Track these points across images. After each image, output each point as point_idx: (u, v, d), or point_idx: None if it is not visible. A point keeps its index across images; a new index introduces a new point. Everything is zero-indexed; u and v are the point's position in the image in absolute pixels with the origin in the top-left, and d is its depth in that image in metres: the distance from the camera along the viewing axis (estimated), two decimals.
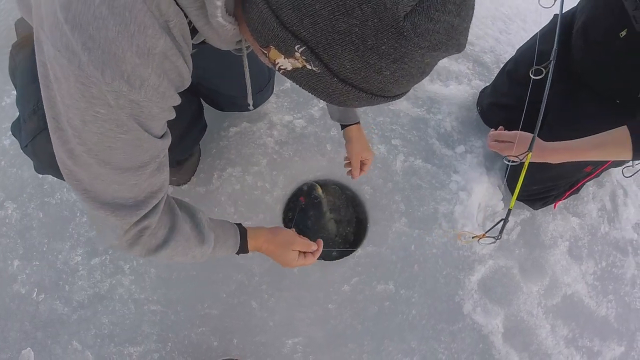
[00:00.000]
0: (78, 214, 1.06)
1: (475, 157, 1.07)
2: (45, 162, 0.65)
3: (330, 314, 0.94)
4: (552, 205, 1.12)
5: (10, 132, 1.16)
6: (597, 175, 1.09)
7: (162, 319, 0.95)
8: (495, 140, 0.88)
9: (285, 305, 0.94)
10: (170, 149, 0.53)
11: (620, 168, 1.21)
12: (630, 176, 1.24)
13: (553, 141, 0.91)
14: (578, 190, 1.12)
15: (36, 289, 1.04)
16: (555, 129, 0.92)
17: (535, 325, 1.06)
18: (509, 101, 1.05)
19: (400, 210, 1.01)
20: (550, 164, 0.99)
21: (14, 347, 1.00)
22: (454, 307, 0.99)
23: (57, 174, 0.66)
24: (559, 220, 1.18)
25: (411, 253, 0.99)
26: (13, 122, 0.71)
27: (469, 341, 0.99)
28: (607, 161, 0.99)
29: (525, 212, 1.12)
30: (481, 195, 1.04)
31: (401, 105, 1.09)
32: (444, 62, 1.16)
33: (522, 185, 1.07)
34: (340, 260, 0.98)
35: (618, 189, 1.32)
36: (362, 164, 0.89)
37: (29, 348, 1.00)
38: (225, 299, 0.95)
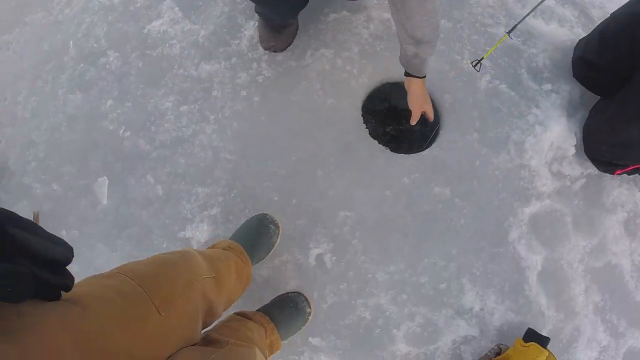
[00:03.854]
0: (176, 67, 1.24)
1: (559, 98, 1.14)
2: None
3: (386, 200, 1.08)
4: (613, 173, 1.16)
5: None
6: None
7: (234, 167, 1.13)
8: None
9: (346, 181, 1.08)
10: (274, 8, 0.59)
11: None
12: None
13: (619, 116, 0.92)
14: None
15: (124, 127, 1.24)
16: (629, 109, 0.94)
17: (572, 278, 1.14)
18: (595, 59, 1.10)
19: (475, 126, 1.11)
20: (622, 128, 1.03)
21: (92, 175, 1.21)
22: (501, 232, 1.09)
23: None
24: (624, 189, 1.23)
25: (475, 168, 1.10)
26: None
27: (505, 267, 1.09)
28: None
29: (594, 168, 1.18)
30: (556, 134, 1.11)
31: (499, 30, 1.17)
32: (551, 3, 1.22)
33: (592, 142, 1.12)
34: (407, 155, 1.10)
35: None
36: (427, 113, 1.01)
37: (105, 177, 1.21)
38: (294, 162, 1.10)
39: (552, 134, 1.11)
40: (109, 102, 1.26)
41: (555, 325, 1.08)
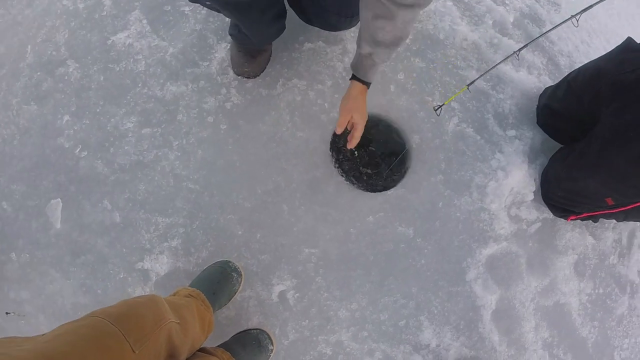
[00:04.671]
0: (139, 85, 1.20)
1: (522, 144, 1.20)
2: None
3: (350, 237, 1.10)
4: (567, 218, 1.24)
5: None
6: (618, 217, 1.18)
7: (197, 198, 1.11)
8: None
9: (312, 216, 1.09)
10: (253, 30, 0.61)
11: None
12: None
13: (597, 156, 0.98)
14: (596, 218, 1.24)
15: (80, 146, 1.18)
16: (605, 145, 0.99)
17: (523, 316, 1.21)
18: (560, 108, 1.16)
19: (440, 168, 1.15)
20: (578, 176, 1.10)
21: (44, 195, 1.16)
22: (459, 271, 1.14)
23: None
24: (576, 233, 1.31)
25: (437, 209, 1.14)
26: None
27: (461, 306, 1.14)
28: (630, 204, 1.07)
29: (549, 213, 1.25)
30: (516, 180, 1.17)
31: (470, 73, 1.20)
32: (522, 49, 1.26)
33: (549, 187, 1.19)
34: (372, 193, 1.12)
35: (638, 231, 1.43)
36: (353, 128, 0.93)
37: (58, 199, 1.15)
38: (260, 195, 1.10)
39: (513, 179, 1.17)
40: (66, 117, 1.20)
41: None
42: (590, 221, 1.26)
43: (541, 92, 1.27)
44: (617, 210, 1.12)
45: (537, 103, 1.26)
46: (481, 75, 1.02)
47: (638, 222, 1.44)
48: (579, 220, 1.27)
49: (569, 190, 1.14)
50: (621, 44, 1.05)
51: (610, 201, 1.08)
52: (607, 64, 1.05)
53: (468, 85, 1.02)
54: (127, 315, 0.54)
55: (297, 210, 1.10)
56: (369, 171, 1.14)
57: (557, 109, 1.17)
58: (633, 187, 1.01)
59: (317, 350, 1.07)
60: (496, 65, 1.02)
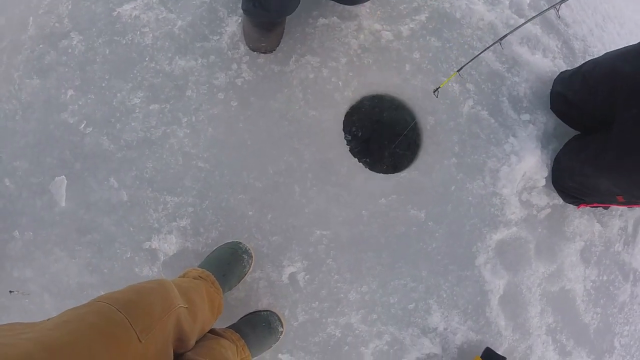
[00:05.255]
0: (147, 59, 1.16)
1: (536, 129, 1.19)
2: None
3: (362, 219, 1.09)
4: (577, 205, 1.24)
5: None
6: (628, 208, 1.18)
7: (207, 177, 1.09)
8: None
9: (324, 198, 1.08)
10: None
11: None
12: None
13: (613, 161, 0.97)
14: (606, 207, 1.24)
15: (85, 121, 1.15)
16: (622, 151, 0.97)
17: (530, 302, 1.22)
18: (574, 98, 1.15)
19: (454, 151, 1.15)
20: (591, 174, 1.10)
21: (48, 172, 1.13)
22: (469, 256, 1.15)
23: None
24: (584, 220, 1.32)
25: (450, 192, 1.14)
26: None
27: (470, 290, 1.15)
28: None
29: (559, 199, 1.25)
30: (529, 165, 1.17)
31: (487, 54, 1.18)
32: (538, 31, 1.25)
33: (560, 177, 1.19)
34: (385, 175, 1.11)
35: None
36: None
37: (63, 176, 1.12)
38: (272, 175, 1.08)
39: (526, 164, 1.16)
40: (70, 91, 1.16)
41: (511, 345, 1.17)
42: (600, 208, 1.27)
43: (555, 76, 1.26)
44: (627, 206, 1.13)
45: (551, 87, 1.25)
46: (469, 62, 1.00)
47: None
48: (588, 207, 1.27)
49: (581, 183, 1.14)
50: (638, 44, 1.02)
51: (621, 199, 1.08)
52: (625, 64, 1.01)
53: (458, 70, 1.02)
54: (135, 302, 0.53)
55: (309, 191, 1.08)
56: (381, 152, 1.12)
57: (571, 99, 1.16)
58: None
59: (327, 332, 1.07)
60: (481, 52, 0.99)
